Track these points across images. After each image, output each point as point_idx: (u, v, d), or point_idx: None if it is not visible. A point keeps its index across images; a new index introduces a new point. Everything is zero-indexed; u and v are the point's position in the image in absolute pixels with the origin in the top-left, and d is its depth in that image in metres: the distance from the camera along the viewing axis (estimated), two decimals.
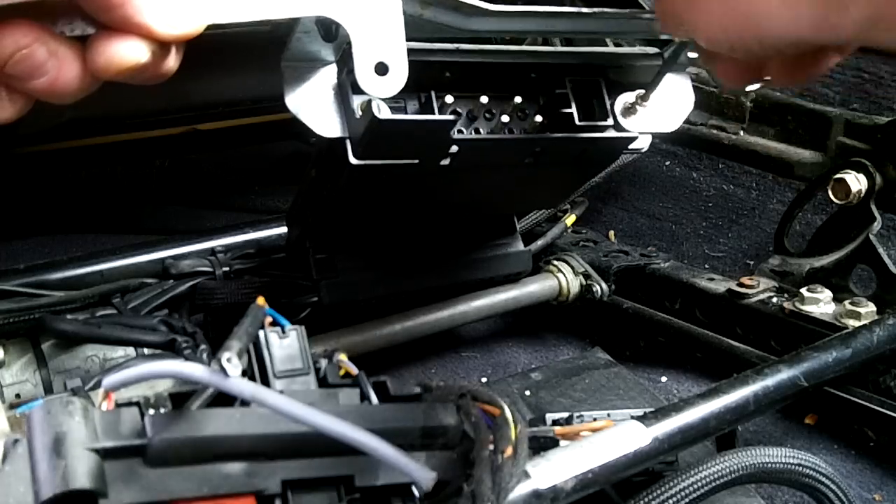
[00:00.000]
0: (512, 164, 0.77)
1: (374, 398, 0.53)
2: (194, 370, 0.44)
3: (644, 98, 0.72)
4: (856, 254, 0.97)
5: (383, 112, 0.61)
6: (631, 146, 0.78)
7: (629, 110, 0.73)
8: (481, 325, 1.16)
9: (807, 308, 0.94)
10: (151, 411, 0.45)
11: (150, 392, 0.49)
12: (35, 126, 1.04)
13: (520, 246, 0.99)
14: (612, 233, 1.30)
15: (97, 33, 0.45)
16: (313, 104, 0.63)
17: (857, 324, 0.89)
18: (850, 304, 0.91)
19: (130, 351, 0.81)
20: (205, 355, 0.75)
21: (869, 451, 0.89)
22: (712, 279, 1.07)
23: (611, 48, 0.77)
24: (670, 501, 0.60)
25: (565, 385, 0.95)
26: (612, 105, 0.73)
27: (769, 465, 0.63)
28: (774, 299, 0.99)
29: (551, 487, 0.55)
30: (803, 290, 0.95)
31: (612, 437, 0.61)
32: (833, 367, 0.79)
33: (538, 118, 0.72)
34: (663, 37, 0.73)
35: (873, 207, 0.96)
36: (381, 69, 0.56)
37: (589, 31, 0.69)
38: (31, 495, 0.40)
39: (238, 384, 0.44)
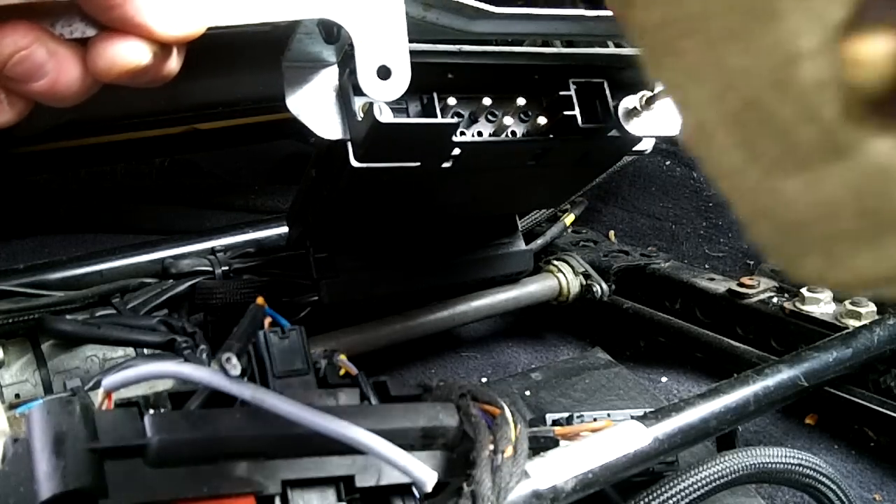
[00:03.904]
0: (514, 166, 0.77)
1: (373, 398, 0.53)
2: (194, 370, 0.44)
3: (649, 100, 0.72)
4: None
5: (385, 115, 0.61)
6: (634, 148, 0.78)
7: (632, 113, 0.73)
8: (481, 325, 1.16)
9: (807, 308, 0.94)
10: (151, 411, 0.45)
11: (149, 392, 0.49)
12: (35, 127, 1.04)
13: (521, 245, 0.99)
14: (612, 233, 1.30)
15: (98, 35, 0.45)
16: (314, 106, 0.63)
17: (857, 324, 0.89)
18: (851, 304, 0.91)
19: (130, 351, 0.81)
20: (204, 355, 0.75)
21: (869, 451, 0.89)
22: (712, 279, 1.07)
23: (613, 49, 0.77)
24: (670, 501, 0.60)
25: (565, 385, 0.95)
26: (615, 107, 0.73)
27: (769, 465, 0.63)
28: (775, 299, 0.99)
29: (551, 487, 0.55)
30: (803, 290, 0.95)
31: (612, 437, 0.61)
32: (833, 367, 0.79)
33: (541, 120, 0.72)
34: None
35: None
36: (384, 73, 0.56)
37: (591, 33, 0.69)
38: (31, 495, 0.40)
39: (238, 385, 0.44)
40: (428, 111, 0.68)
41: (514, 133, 0.72)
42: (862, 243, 0.22)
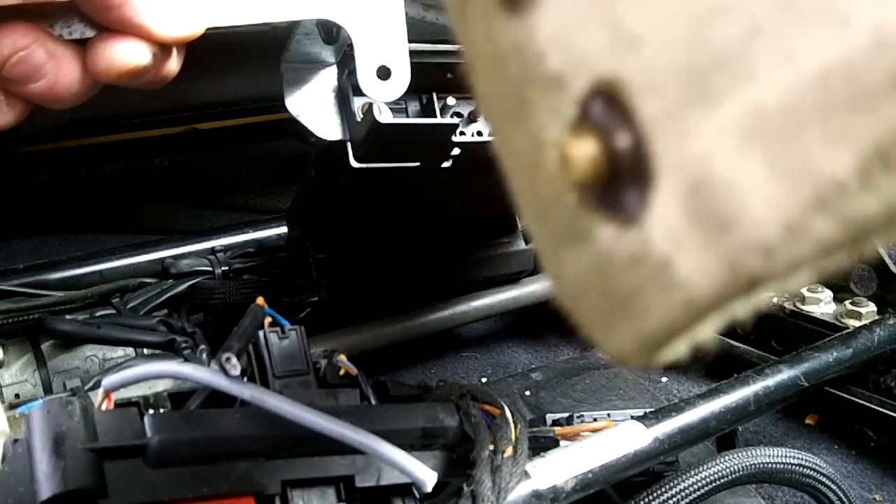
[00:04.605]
0: None
1: (373, 398, 0.53)
2: (194, 370, 0.44)
3: None
4: None
5: (384, 115, 0.61)
6: None
7: None
8: (481, 325, 1.16)
9: (807, 308, 0.94)
10: (151, 411, 0.45)
11: (149, 392, 0.49)
12: (35, 127, 1.04)
13: (521, 245, 0.99)
14: None
15: (97, 35, 0.45)
16: (314, 106, 0.63)
17: (857, 324, 0.88)
18: (851, 303, 0.91)
19: (130, 351, 0.81)
20: (204, 355, 0.75)
21: (869, 451, 0.89)
22: None
23: None
24: (671, 502, 0.60)
25: (565, 385, 0.95)
26: None
27: (770, 465, 0.63)
28: (775, 299, 0.99)
29: (551, 487, 0.55)
30: (804, 290, 0.95)
31: (612, 437, 0.61)
32: (833, 367, 0.78)
33: None
34: None
35: None
36: (384, 73, 0.56)
37: None
38: (31, 495, 0.40)
39: (238, 385, 0.44)
40: (427, 111, 0.68)
41: None
42: (610, 320, 0.24)
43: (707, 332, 0.22)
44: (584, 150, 0.22)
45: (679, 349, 0.23)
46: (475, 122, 0.71)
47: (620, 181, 0.22)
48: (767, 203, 0.19)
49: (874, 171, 0.17)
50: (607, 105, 0.22)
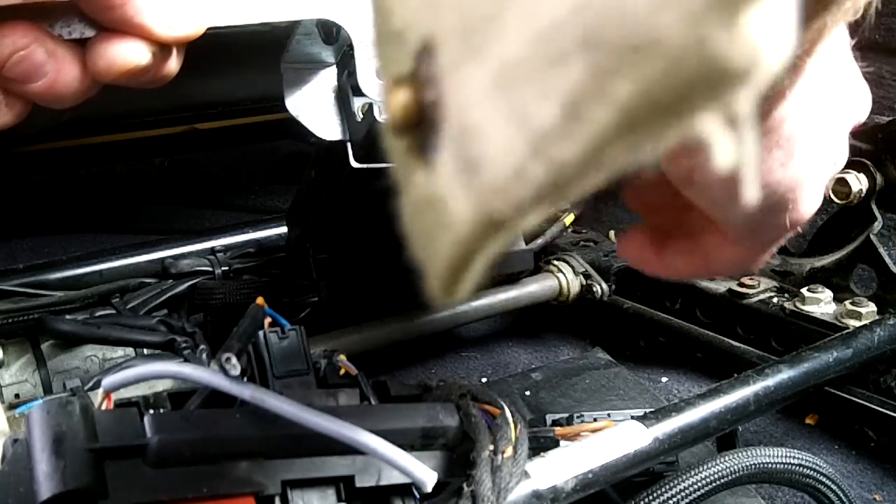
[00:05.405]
0: None
1: (373, 398, 0.53)
2: (194, 370, 0.44)
3: None
4: (856, 254, 0.97)
5: (384, 115, 0.61)
6: None
7: None
8: (481, 325, 1.16)
9: (807, 308, 0.94)
10: (151, 411, 0.45)
11: (149, 392, 0.49)
12: (35, 126, 1.04)
13: (521, 245, 0.99)
14: (612, 233, 1.30)
15: (97, 35, 0.45)
16: (314, 107, 0.63)
17: (857, 324, 0.88)
18: (851, 304, 0.91)
19: (130, 351, 0.81)
20: (204, 355, 0.75)
21: (869, 451, 0.89)
22: (712, 279, 1.06)
23: None
24: (670, 501, 0.60)
25: (565, 385, 0.95)
26: None
27: (770, 465, 0.63)
28: (775, 299, 0.99)
29: (551, 487, 0.55)
30: (804, 290, 0.95)
31: (612, 437, 0.61)
32: (834, 367, 0.78)
33: None
34: None
35: (874, 207, 0.96)
36: None
37: None
38: (31, 495, 0.40)
39: (238, 385, 0.44)
40: None
41: None
42: (424, 263, 0.26)
43: (478, 269, 0.24)
44: (399, 100, 0.24)
45: (464, 287, 0.26)
46: None
47: (427, 129, 0.24)
48: (502, 149, 0.21)
49: (569, 120, 0.19)
50: (429, 60, 0.24)
